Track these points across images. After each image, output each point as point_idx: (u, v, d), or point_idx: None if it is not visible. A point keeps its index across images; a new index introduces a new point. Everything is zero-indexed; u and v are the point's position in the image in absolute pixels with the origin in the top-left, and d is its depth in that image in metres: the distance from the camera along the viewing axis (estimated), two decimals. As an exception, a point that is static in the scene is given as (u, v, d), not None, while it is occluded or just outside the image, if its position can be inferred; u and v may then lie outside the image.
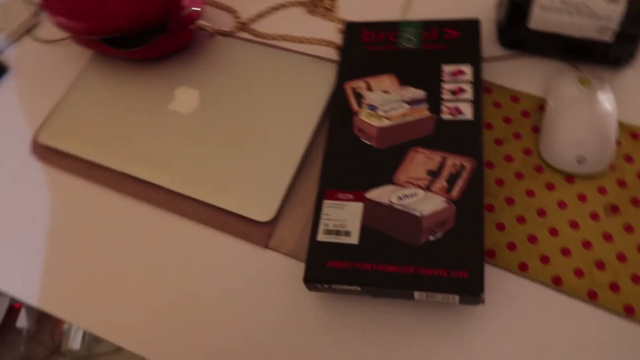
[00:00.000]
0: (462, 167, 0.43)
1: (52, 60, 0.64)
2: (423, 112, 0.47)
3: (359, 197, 0.44)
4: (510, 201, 0.47)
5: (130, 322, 0.47)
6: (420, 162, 0.44)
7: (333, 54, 0.58)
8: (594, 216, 0.46)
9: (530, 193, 0.48)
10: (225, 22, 0.63)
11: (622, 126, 0.50)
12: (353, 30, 0.54)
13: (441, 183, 0.43)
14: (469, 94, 0.47)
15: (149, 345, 0.45)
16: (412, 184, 0.43)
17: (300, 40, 0.59)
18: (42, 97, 0.61)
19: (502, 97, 0.53)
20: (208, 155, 0.52)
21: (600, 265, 0.44)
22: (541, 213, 0.47)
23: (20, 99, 0.62)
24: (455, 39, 0.51)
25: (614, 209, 0.46)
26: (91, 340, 1.26)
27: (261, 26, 0.62)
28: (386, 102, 0.48)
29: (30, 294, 0.49)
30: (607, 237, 0.45)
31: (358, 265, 0.41)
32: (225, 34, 0.61)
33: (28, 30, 0.67)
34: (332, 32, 0.60)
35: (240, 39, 0.60)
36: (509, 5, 0.51)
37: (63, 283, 0.49)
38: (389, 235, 0.41)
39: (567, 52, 0.53)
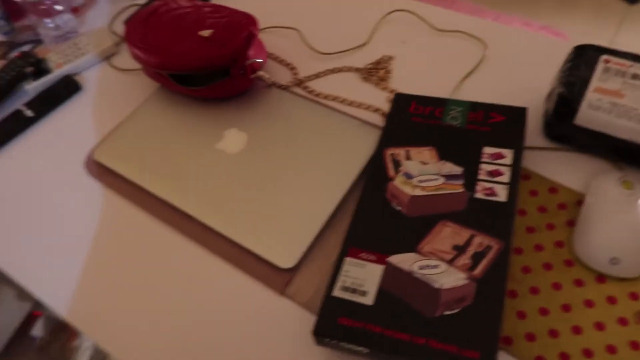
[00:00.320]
0: (489, 247, 0.43)
1: (122, 87, 0.69)
2: (457, 187, 0.47)
3: (381, 260, 0.44)
4: (534, 290, 0.46)
5: (142, 344, 0.47)
6: (447, 235, 0.45)
7: (379, 121, 0.60)
8: (623, 321, 0.44)
9: (556, 286, 0.47)
10: (284, 76, 0.67)
11: (662, 235, 0.49)
12: (402, 101, 0.56)
13: (465, 260, 0.43)
14: (505, 177, 0.47)
15: (152, 370, 0.46)
16: (436, 256, 0.44)
17: (350, 103, 0.62)
18: (105, 118, 0.66)
19: (540, 186, 0.53)
20: (244, 196, 0.54)
21: (624, 374, 0.42)
22: (566, 308, 0.45)
23: (86, 116, 0.67)
24: (500, 123, 0.52)
25: (644, 318, 0.44)
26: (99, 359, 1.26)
27: (316, 85, 0.65)
28: (422, 173, 0.49)
29: (57, 303, 0.51)
30: (634, 346, 0.43)
31: (369, 326, 0.41)
32: (281, 87, 0.64)
33: (107, 57, 0.74)
34: (381, 100, 0.62)
35: (295, 94, 0.64)
36: (557, 99, 0.52)
37: (90, 297, 0.51)
38: (405, 302, 0.41)
39: (612, 152, 0.53)
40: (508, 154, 0.49)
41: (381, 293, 0.42)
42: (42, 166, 0.63)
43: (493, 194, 0.46)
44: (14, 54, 0.75)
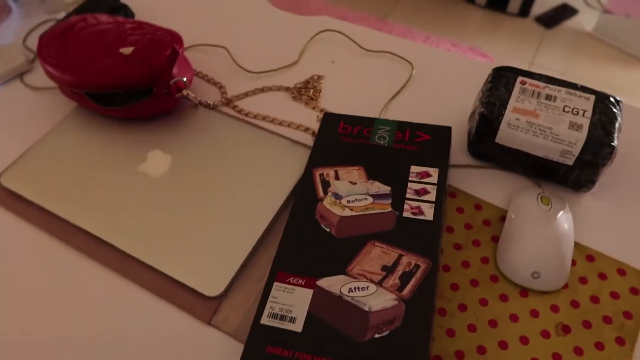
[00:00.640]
0: (417, 266, 0.43)
1: (36, 107, 0.65)
2: (386, 206, 0.47)
3: (310, 284, 0.43)
4: (462, 307, 0.47)
5: (49, 387, 0.43)
6: (376, 256, 0.44)
7: (310, 140, 0.59)
8: (545, 334, 0.45)
9: (483, 302, 0.47)
10: (212, 95, 0.65)
11: (578, 247, 0.51)
12: (330, 120, 0.56)
13: (394, 280, 0.42)
14: (432, 195, 0.48)
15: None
16: (366, 277, 0.43)
17: (280, 123, 0.61)
18: (16, 141, 0.61)
19: (466, 203, 0.54)
20: (168, 221, 0.51)
21: (548, 387, 0.43)
22: (493, 324, 0.46)
23: (-8, 139, 0.62)
24: (426, 141, 0.53)
25: (565, 329, 0.46)
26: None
27: (245, 104, 0.64)
28: (351, 193, 0.49)
29: (-51, 342, 0.46)
30: (557, 358, 0.44)
31: (298, 354, 0.39)
32: (209, 106, 0.63)
33: (20, 74, 0.69)
34: (312, 119, 0.62)
35: (223, 113, 0.62)
36: (479, 119, 0.54)
37: (2, 336, 0.46)
38: (334, 327, 0.40)
39: (531, 169, 0.55)
40: (434, 173, 0.50)
41: (310, 319, 0.41)
42: (-59, 193, 0.57)
43: (420, 212, 0.47)
44: None
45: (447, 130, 0.54)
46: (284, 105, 0.64)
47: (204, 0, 0.78)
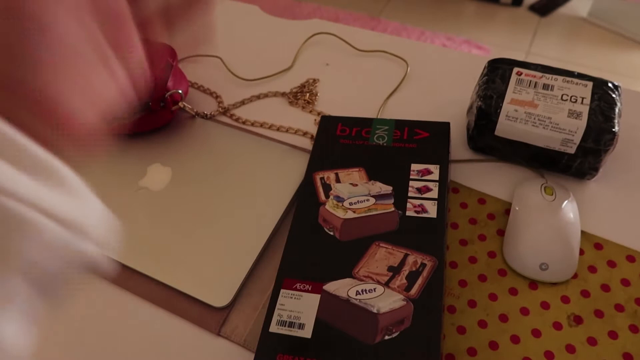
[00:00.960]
0: (423, 265, 0.43)
1: (34, 128, 0.65)
2: (388, 206, 0.47)
3: (317, 289, 0.43)
4: (472, 304, 0.46)
5: (62, 408, 0.43)
6: (381, 257, 0.44)
7: (308, 145, 0.59)
8: (557, 326, 0.45)
9: (493, 297, 0.47)
10: (208, 105, 0.65)
11: (586, 236, 0.50)
12: (328, 123, 0.55)
13: (401, 280, 0.42)
14: (434, 192, 0.48)
15: None
16: (372, 279, 0.43)
17: (278, 128, 0.61)
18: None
19: (469, 198, 0.54)
20: (170, 234, 0.51)
21: (563, 379, 0.42)
22: (503, 318, 0.46)
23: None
24: (425, 139, 0.52)
25: (577, 319, 0.45)
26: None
27: (242, 112, 0.64)
28: (353, 195, 0.48)
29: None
30: (570, 349, 0.44)
31: (309, 361, 0.39)
32: (206, 116, 0.63)
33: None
34: (309, 123, 0.62)
35: (220, 122, 0.62)
36: (477, 112, 0.53)
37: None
38: (343, 331, 0.40)
39: (533, 160, 0.55)
40: (435, 170, 0.50)
41: (319, 324, 0.41)
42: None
43: (423, 210, 0.46)
44: None
45: (445, 126, 0.54)
46: (281, 110, 0.64)
47: (196, 11, 0.78)
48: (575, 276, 0.48)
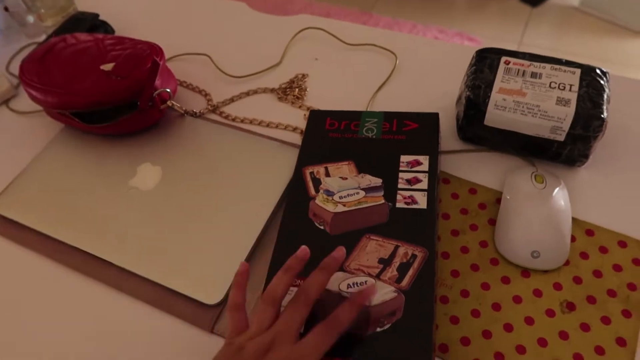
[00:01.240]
0: (414, 256, 0.43)
1: (23, 131, 0.65)
2: (378, 199, 0.47)
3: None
4: (465, 294, 0.46)
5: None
6: (372, 249, 0.44)
7: (298, 140, 0.59)
8: (550, 313, 0.45)
9: (485, 286, 0.47)
10: (198, 104, 0.65)
11: (577, 223, 0.50)
12: (316, 118, 0.55)
13: (392, 272, 0.42)
14: (424, 183, 0.48)
15: None
16: (363, 271, 0.43)
17: (268, 125, 0.61)
18: (6, 167, 0.61)
19: (460, 188, 0.54)
20: (162, 234, 0.51)
21: (557, 366, 0.42)
22: (496, 307, 0.46)
23: (-18, 168, 0.62)
24: (415, 130, 0.52)
25: (569, 306, 0.45)
26: None
27: (232, 109, 0.64)
28: (343, 188, 0.48)
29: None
30: (564, 336, 0.44)
31: (302, 355, 0.39)
32: (195, 114, 0.62)
33: (6, 100, 0.69)
34: (299, 118, 0.62)
35: (210, 120, 0.62)
36: (466, 103, 0.53)
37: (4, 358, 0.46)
38: (335, 325, 0.40)
39: (523, 149, 0.55)
40: (424, 161, 0.49)
41: (312, 318, 0.41)
42: None
43: (413, 202, 0.46)
44: None
45: (434, 117, 0.53)
46: (270, 106, 0.63)
47: (184, 11, 0.78)
48: (567, 263, 0.48)
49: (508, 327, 0.44)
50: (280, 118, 0.62)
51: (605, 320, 0.44)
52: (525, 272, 0.47)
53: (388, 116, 0.54)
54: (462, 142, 0.58)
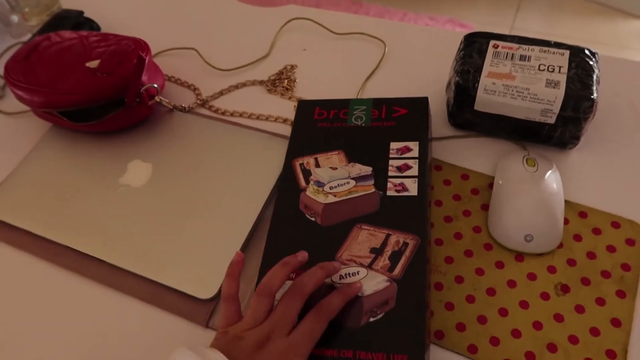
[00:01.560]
0: (405, 244, 0.43)
1: (11, 132, 0.64)
2: (369, 188, 0.47)
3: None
4: (459, 280, 0.46)
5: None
6: (364, 239, 0.44)
7: (289, 131, 0.59)
8: (545, 296, 0.45)
9: (479, 271, 0.47)
10: (187, 98, 0.64)
11: (570, 205, 0.50)
12: (305, 108, 0.55)
13: (384, 261, 0.42)
14: (414, 170, 0.47)
15: None
16: (355, 262, 0.42)
17: (258, 117, 0.61)
18: (-5, 168, 0.60)
19: (452, 174, 0.53)
20: (154, 230, 0.51)
21: (552, 347, 0.42)
22: (491, 292, 0.46)
23: (-30, 170, 0.61)
24: (404, 116, 0.52)
25: (564, 288, 0.45)
26: None
27: (221, 103, 0.63)
28: (333, 179, 0.48)
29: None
30: (558, 318, 0.44)
31: (296, 347, 0.39)
32: (184, 109, 0.62)
33: (-7, 102, 0.68)
34: (289, 110, 0.61)
35: (199, 115, 0.61)
36: (456, 88, 0.53)
37: (-13, 365, 0.46)
38: (329, 316, 0.40)
39: (514, 132, 0.54)
40: (414, 147, 0.49)
41: (304, 310, 0.40)
42: None
43: (404, 189, 0.46)
44: None
45: (424, 101, 0.53)
46: (259, 99, 0.63)
47: (170, 5, 0.77)
48: (560, 246, 0.48)
49: (503, 312, 0.44)
50: (270, 110, 0.61)
51: (600, 301, 0.44)
52: (519, 256, 0.47)
53: (377, 103, 0.54)
54: (453, 128, 0.57)
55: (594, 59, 0.52)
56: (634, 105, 0.57)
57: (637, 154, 0.53)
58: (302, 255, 0.42)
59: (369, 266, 0.42)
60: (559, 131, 0.52)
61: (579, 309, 0.44)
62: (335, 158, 0.50)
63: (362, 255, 0.43)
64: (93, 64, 0.57)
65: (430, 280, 0.45)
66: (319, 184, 0.48)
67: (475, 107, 0.53)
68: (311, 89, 0.63)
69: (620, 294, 0.45)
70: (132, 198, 0.53)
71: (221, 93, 0.64)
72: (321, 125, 0.53)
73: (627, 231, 0.48)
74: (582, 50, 0.52)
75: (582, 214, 0.50)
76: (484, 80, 0.52)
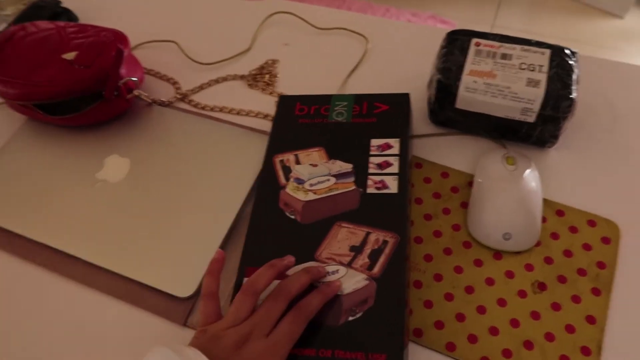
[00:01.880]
0: (385, 242, 0.43)
1: (-16, 125, 0.62)
2: (349, 185, 0.47)
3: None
4: (438, 277, 0.47)
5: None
6: (343, 237, 0.44)
7: (269, 127, 0.58)
8: (522, 294, 0.45)
9: (458, 269, 0.47)
10: (166, 92, 0.63)
11: (548, 204, 0.51)
12: (286, 103, 0.54)
13: (363, 259, 0.42)
14: (395, 167, 0.47)
15: None
16: (335, 260, 0.42)
17: (238, 112, 0.60)
18: (-34, 162, 0.59)
19: (433, 172, 0.54)
20: (131, 226, 0.50)
21: (529, 345, 0.43)
22: (469, 290, 0.46)
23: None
24: (385, 112, 0.52)
25: (541, 286, 0.46)
26: None
27: (201, 97, 0.62)
28: (313, 176, 0.48)
29: None
30: (535, 316, 0.44)
31: (275, 346, 0.38)
32: (163, 103, 0.61)
33: (-35, 94, 0.66)
34: (270, 105, 0.61)
35: (179, 109, 0.60)
36: (437, 85, 0.53)
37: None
38: (308, 315, 0.40)
39: (494, 131, 0.54)
40: (395, 144, 0.49)
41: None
42: None
43: (384, 186, 0.46)
44: None
45: (405, 97, 0.53)
46: (240, 94, 0.62)
47: (149, -5, 0.76)
48: (538, 244, 0.48)
49: (481, 310, 0.45)
50: (251, 105, 0.61)
51: (576, 299, 0.45)
52: (498, 254, 0.48)
53: (358, 99, 0.53)
54: (435, 126, 0.58)
55: (573, 59, 0.52)
56: (612, 105, 0.58)
57: (614, 154, 0.54)
58: (289, 260, 0.42)
59: (349, 265, 0.42)
60: (538, 130, 0.52)
61: (555, 307, 0.45)
62: (315, 155, 0.49)
63: (342, 253, 0.42)
64: (70, 55, 0.56)
65: (409, 278, 0.45)
66: (299, 181, 0.48)
67: (457, 105, 0.53)
68: (293, 84, 0.62)
69: (596, 291, 0.45)
70: (109, 194, 0.52)
71: (201, 87, 0.63)
72: (302, 121, 0.52)
73: (603, 229, 0.49)
74: (562, 49, 0.53)
75: (560, 213, 0.50)
76: (466, 79, 0.52)
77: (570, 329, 0.43)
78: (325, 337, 0.38)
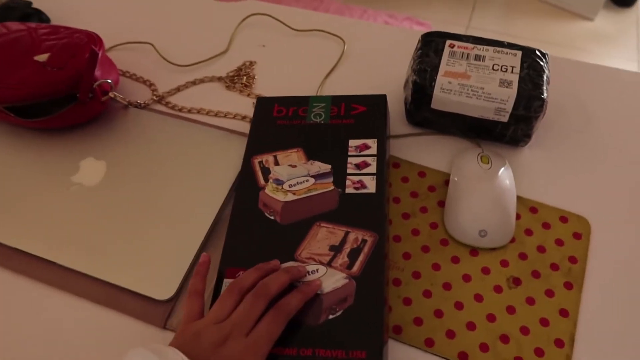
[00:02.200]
0: (364, 241, 0.43)
1: (-47, 129, 0.61)
2: (328, 185, 0.47)
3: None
4: (417, 275, 0.47)
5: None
6: (323, 237, 0.44)
7: (247, 128, 0.58)
8: (498, 289, 0.46)
9: (436, 267, 0.48)
10: (142, 94, 0.62)
11: (522, 201, 0.52)
12: (264, 105, 0.54)
13: (343, 258, 0.42)
14: (372, 167, 0.48)
15: None
16: (314, 260, 0.43)
17: (216, 114, 0.60)
18: None
19: (410, 172, 0.54)
20: (109, 230, 0.49)
21: (505, 338, 0.44)
22: (447, 287, 0.47)
23: None
24: (363, 113, 0.52)
25: (516, 281, 0.47)
26: None
27: (178, 99, 0.62)
28: (292, 177, 0.48)
29: None
30: (511, 310, 0.45)
31: (255, 346, 0.39)
32: (139, 105, 0.60)
33: None
34: (248, 107, 0.61)
35: (155, 111, 0.60)
36: (413, 86, 0.54)
37: None
38: (288, 314, 0.40)
39: (469, 131, 0.56)
40: (373, 144, 0.50)
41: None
42: None
43: (363, 186, 0.47)
44: None
45: (382, 99, 0.54)
46: (217, 95, 0.62)
47: (123, -3, 0.75)
48: (513, 240, 0.49)
49: (459, 305, 0.46)
50: (229, 107, 0.61)
51: (549, 293, 0.46)
52: (474, 251, 0.49)
53: (336, 100, 0.54)
54: (411, 126, 0.58)
55: (544, 60, 0.54)
56: (582, 105, 0.60)
57: (584, 152, 0.56)
58: (275, 264, 0.43)
59: (329, 264, 0.42)
60: (511, 129, 0.53)
61: (530, 301, 0.46)
62: (294, 156, 0.50)
63: (322, 253, 0.43)
64: (42, 57, 0.55)
65: (388, 276, 0.46)
66: (278, 182, 0.48)
67: (432, 106, 0.54)
68: (270, 86, 0.63)
69: (568, 285, 0.47)
70: (84, 197, 0.52)
71: (178, 89, 0.63)
72: (280, 123, 0.53)
73: (575, 225, 0.50)
74: (533, 51, 0.54)
75: (533, 210, 0.51)
76: (441, 79, 0.53)
77: (544, 322, 0.44)
78: (305, 336, 0.39)
